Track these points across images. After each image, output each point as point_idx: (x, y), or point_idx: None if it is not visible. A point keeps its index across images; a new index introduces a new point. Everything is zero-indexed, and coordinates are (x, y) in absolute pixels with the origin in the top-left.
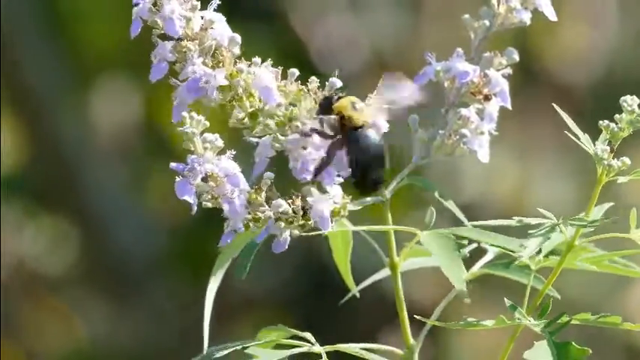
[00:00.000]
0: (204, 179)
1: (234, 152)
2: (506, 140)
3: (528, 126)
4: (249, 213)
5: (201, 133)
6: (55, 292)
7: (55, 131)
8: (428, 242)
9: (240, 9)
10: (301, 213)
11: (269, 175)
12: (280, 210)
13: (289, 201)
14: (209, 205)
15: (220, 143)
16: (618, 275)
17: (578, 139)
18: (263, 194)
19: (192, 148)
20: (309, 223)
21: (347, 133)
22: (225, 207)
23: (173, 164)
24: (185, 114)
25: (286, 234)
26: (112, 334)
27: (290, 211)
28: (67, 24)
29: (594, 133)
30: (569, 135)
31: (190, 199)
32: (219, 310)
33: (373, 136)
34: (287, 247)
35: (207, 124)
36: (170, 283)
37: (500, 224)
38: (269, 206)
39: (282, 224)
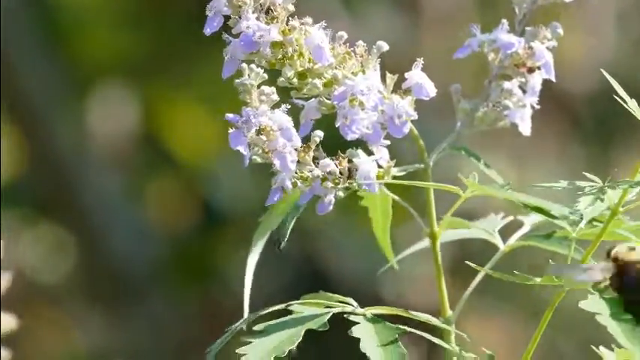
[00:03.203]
0: (257, 132)
1: (288, 107)
2: (504, 147)
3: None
4: (297, 172)
5: (258, 87)
6: (53, 301)
7: (53, 140)
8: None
9: None
10: (347, 174)
11: (318, 133)
12: (328, 170)
13: (336, 162)
14: (258, 160)
15: (276, 97)
16: None
17: (626, 103)
18: (311, 153)
19: (249, 101)
20: (354, 185)
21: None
22: (277, 162)
23: (229, 115)
24: (245, 65)
25: (331, 196)
26: (109, 342)
27: (337, 172)
28: (65, 33)
29: (593, 141)
30: (618, 99)
31: (243, 150)
32: (215, 318)
33: None
34: (331, 208)
35: (266, 76)
36: (169, 292)
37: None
38: (316, 165)
39: (329, 185)
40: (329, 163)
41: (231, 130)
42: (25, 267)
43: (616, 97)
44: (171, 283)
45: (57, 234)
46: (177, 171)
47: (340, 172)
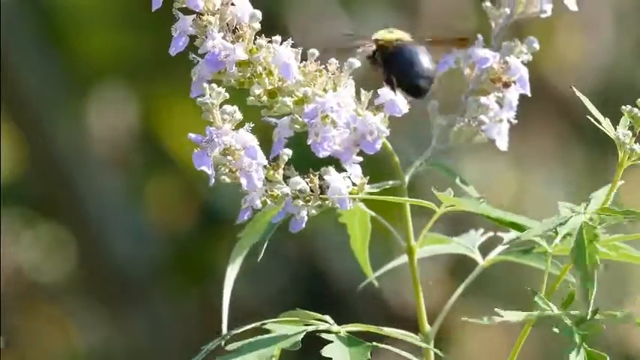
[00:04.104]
0: (223, 152)
1: (252, 125)
2: (504, 151)
3: (526, 137)
4: (267, 190)
5: (221, 106)
6: (53, 301)
7: (53, 140)
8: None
9: None
10: (319, 192)
11: (286, 151)
12: (298, 188)
13: (307, 179)
14: (227, 179)
15: (239, 116)
16: (616, 274)
17: (600, 123)
18: (280, 171)
19: (212, 120)
20: (327, 202)
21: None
22: (243, 181)
23: (192, 135)
24: (205, 85)
25: (303, 213)
26: (109, 342)
27: (307, 190)
28: (65, 33)
29: (592, 142)
30: (590, 119)
31: (208, 169)
32: (214, 319)
33: (410, 49)
34: (304, 225)
35: (227, 95)
36: (168, 291)
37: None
38: (287, 184)
39: (300, 202)
40: (299, 181)
41: (195, 151)
42: (25, 266)
43: (592, 112)
44: (170, 283)
45: (56, 234)
46: (177, 171)
47: (311, 190)
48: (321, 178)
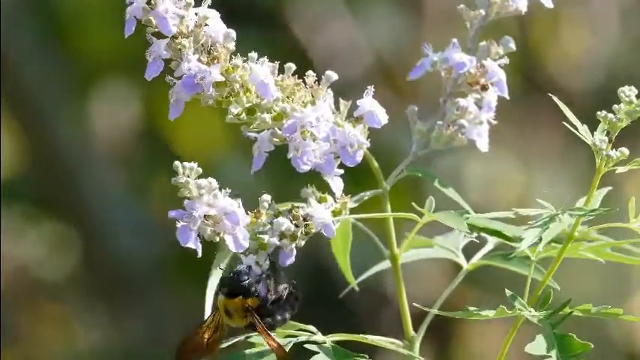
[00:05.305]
0: (204, 221)
1: (229, 190)
2: (507, 147)
3: (530, 132)
4: (253, 238)
5: (196, 179)
6: (55, 298)
7: (55, 136)
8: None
9: (238, 15)
10: (304, 224)
11: (266, 198)
12: (283, 229)
13: (290, 216)
14: (216, 239)
15: (215, 185)
16: (618, 274)
17: (577, 129)
18: (263, 217)
19: (189, 195)
20: (313, 231)
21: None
22: (229, 242)
23: (172, 213)
24: (177, 163)
25: (292, 246)
26: (111, 339)
27: (292, 227)
28: (67, 30)
29: None
30: (568, 126)
31: (194, 245)
32: None
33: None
34: (294, 258)
35: (200, 170)
36: (171, 288)
37: (501, 216)
38: (271, 226)
39: (287, 241)
40: (283, 222)
41: (178, 225)
42: (28, 264)
43: (572, 122)
44: (173, 281)
45: (60, 231)
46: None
47: (296, 225)
48: (303, 209)
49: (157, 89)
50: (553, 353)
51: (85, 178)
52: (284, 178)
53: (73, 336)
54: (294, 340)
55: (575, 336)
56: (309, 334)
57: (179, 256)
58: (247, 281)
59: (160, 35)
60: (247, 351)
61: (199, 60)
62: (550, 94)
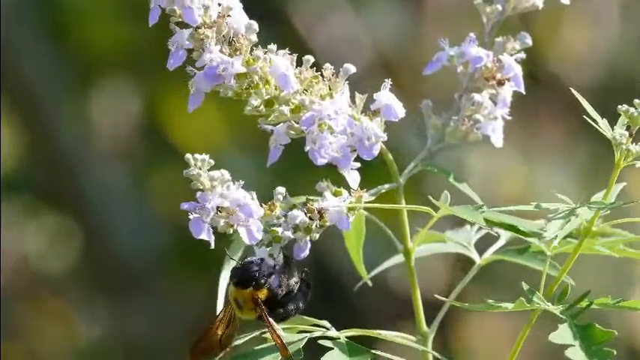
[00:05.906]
0: (217, 213)
1: (242, 182)
2: (511, 144)
3: (533, 130)
4: (267, 231)
5: (208, 171)
6: (56, 292)
7: (57, 131)
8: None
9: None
10: (318, 217)
11: (280, 190)
12: (297, 222)
13: (304, 209)
14: (230, 231)
15: (228, 176)
16: (617, 269)
17: (596, 123)
18: (277, 210)
19: (201, 187)
20: (327, 224)
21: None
22: (243, 234)
23: (184, 205)
24: (189, 155)
25: (307, 238)
26: (113, 332)
27: (307, 220)
28: (68, 24)
29: (601, 138)
30: (587, 119)
31: (207, 237)
32: None
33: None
34: (308, 251)
35: (212, 162)
36: (172, 282)
37: (516, 209)
38: (285, 218)
39: (301, 234)
40: (297, 215)
41: (191, 217)
42: (29, 257)
43: (586, 113)
44: (174, 274)
45: (60, 224)
46: (181, 162)
47: (311, 218)
48: (318, 203)
49: (158, 84)
50: (577, 343)
51: (86, 172)
52: (283, 172)
53: (74, 330)
54: (308, 335)
55: (597, 325)
56: (324, 329)
57: (180, 250)
58: (258, 272)
59: (183, 25)
60: (258, 347)
61: (221, 51)
62: (571, 89)
